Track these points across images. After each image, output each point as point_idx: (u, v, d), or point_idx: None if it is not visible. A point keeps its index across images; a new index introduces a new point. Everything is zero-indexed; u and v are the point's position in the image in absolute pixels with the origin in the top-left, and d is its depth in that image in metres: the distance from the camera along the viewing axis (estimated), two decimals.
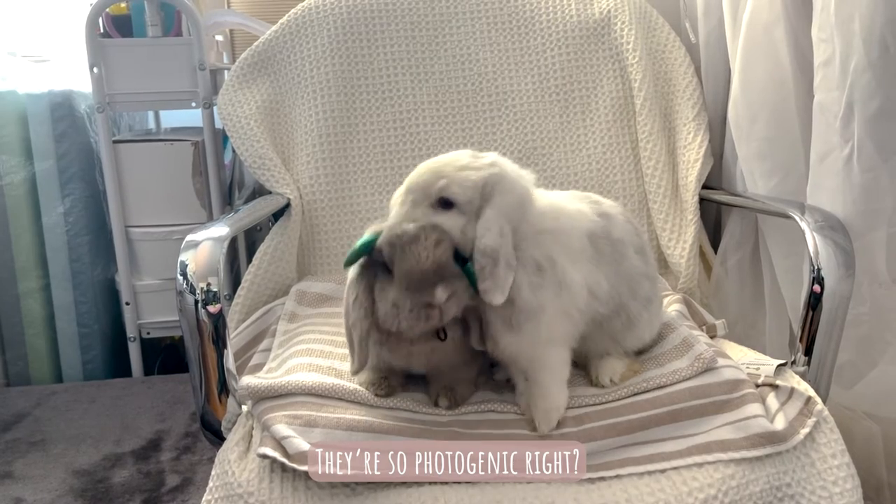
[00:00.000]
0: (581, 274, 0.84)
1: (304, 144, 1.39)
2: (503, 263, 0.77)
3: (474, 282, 0.78)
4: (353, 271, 0.82)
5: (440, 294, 0.74)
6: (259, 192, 1.69)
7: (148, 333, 1.82)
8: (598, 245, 0.87)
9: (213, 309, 0.86)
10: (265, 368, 1.00)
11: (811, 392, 0.90)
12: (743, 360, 0.98)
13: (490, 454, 0.80)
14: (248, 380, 0.88)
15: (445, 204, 0.80)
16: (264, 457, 0.79)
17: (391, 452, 0.80)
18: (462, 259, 0.79)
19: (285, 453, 0.78)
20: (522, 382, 0.86)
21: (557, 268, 0.82)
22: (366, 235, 0.81)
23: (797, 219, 1.02)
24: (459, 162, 0.83)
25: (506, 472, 0.80)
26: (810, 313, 0.95)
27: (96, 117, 1.69)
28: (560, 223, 0.85)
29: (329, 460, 0.78)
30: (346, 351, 0.99)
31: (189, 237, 0.95)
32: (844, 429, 0.87)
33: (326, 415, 0.83)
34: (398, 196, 0.84)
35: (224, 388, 0.88)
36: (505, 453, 0.80)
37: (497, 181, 0.82)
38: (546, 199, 0.88)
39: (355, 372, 0.84)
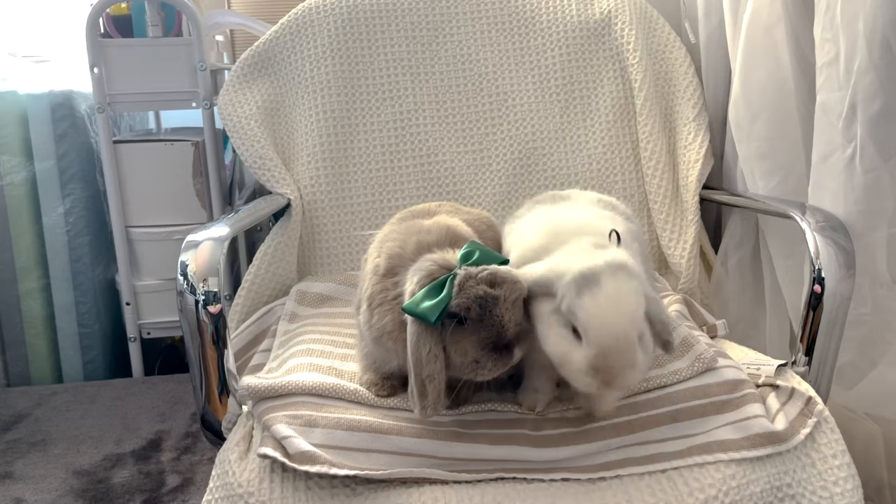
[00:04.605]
0: None
1: (304, 144, 1.39)
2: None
3: None
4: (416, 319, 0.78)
5: (518, 355, 0.77)
6: (259, 192, 1.70)
7: (148, 334, 1.82)
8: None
9: (213, 309, 0.86)
10: (265, 368, 1.00)
11: (812, 392, 0.90)
12: (743, 360, 0.98)
13: (490, 454, 0.80)
14: (248, 380, 0.88)
15: None
16: (265, 457, 0.79)
17: (391, 452, 0.80)
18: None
19: (286, 453, 0.79)
20: (548, 382, 0.87)
21: None
22: (434, 288, 0.76)
23: (798, 219, 1.02)
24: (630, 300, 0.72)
25: (506, 472, 0.80)
26: (811, 314, 0.95)
27: (97, 117, 1.70)
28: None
29: (329, 460, 0.78)
30: (346, 351, 0.99)
31: (189, 237, 0.95)
32: (845, 429, 0.87)
33: (327, 415, 0.83)
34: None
35: (224, 389, 0.88)
36: (505, 453, 0.80)
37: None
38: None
39: (429, 416, 0.80)
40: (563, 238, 0.82)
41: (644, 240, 0.95)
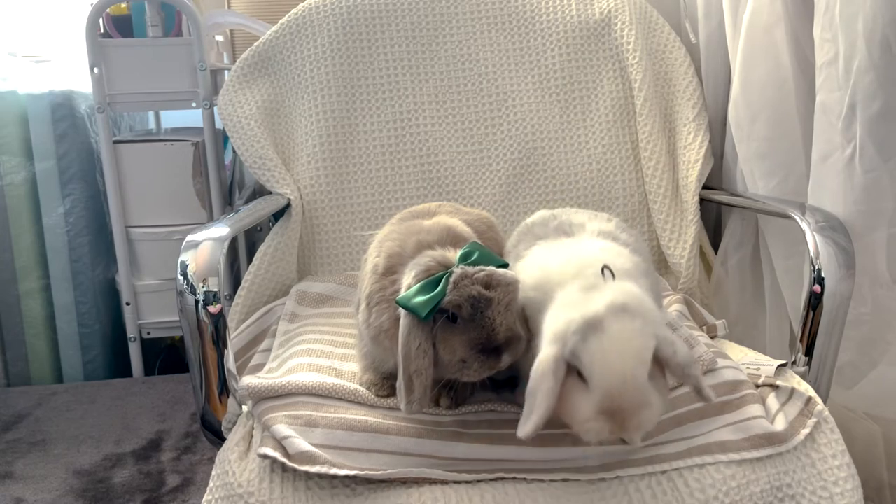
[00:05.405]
0: None
1: (304, 144, 1.39)
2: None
3: None
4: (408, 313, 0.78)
5: (506, 360, 0.77)
6: (259, 192, 1.69)
7: (148, 333, 1.82)
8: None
9: (213, 309, 0.86)
10: (265, 368, 1.00)
11: (811, 392, 0.90)
12: (743, 360, 0.98)
13: (490, 454, 0.80)
14: (248, 380, 0.88)
15: None
16: (265, 457, 0.79)
17: (391, 452, 0.80)
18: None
19: (286, 453, 0.79)
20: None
21: None
22: (430, 284, 0.76)
23: (798, 219, 1.02)
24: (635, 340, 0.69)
25: (506, 472, 0.80)
26: (811, 314, 0.95)
27: (97, 117, 1.69)
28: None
29: (329, 460, 0.78)
30: (346, 351, 0.99)
31: (189, 237, 0.95)
32: (845, 429, 0.87)
33: (327, 415, 0.83)
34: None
35: (224, 389, 0.88)
36: (505, 453, 0.80)
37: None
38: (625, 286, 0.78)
39: (415, 412, 0.80)
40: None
41: (652, 271, 0.92)
